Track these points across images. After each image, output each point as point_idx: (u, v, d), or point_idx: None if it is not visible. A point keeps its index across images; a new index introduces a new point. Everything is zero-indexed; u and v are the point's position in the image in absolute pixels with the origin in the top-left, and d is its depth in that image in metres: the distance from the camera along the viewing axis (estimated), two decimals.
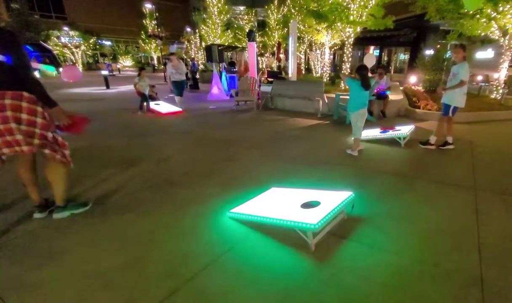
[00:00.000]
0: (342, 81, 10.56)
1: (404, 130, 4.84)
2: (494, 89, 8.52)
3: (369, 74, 4.30)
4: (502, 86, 8.22)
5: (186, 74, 14.09)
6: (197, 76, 16.83)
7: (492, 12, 7.27)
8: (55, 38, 28.51)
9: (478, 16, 7.56)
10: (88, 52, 33.66)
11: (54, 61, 27.05)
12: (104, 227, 2.49)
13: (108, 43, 36.73)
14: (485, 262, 2.03)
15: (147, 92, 7.99)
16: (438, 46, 12.22)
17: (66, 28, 29.55)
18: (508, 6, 6.92)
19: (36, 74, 14.76)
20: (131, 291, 1.79)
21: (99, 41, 33.91)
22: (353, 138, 4.45)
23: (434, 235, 2.36)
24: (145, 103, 7.89)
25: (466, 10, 7.57)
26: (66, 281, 1.88)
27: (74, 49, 30.00)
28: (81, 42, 30.81)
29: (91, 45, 32.21)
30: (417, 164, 4.02)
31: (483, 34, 8.27)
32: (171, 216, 2.68)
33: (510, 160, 4.16)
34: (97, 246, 2.23)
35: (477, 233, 2.38)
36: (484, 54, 11.63)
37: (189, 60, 23.83)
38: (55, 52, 28.85)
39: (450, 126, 4.56)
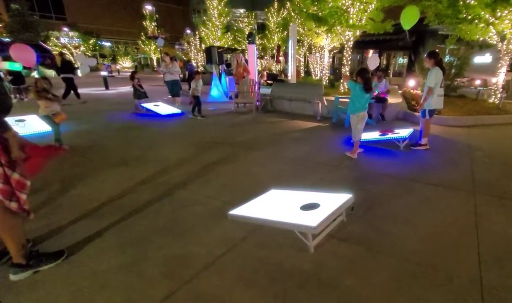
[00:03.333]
0: (341, 84, 10.61)
1: (403, 133, 4.87)
2: (492, 93, 8.57)
3: None
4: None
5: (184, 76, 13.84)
6: None
7: (490, 17, 7.33)
8: (54, 39, 28.49)
9: (476, 21, 7.62)
10: (87, 53, 33.63)
11: (53, 61, 26.99)
12: (102, 228, 2.47)
13: (107, 44, 36.75)
14: (484, 265, 2.03)
15: (200, 94, 7.58)
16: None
17: (66, 29, 29.57)
18: (506, 11, 6.98)
19: (35, 74, 14.68)
20: (129, 292, 1.78)
21: (99, 42, 33.91)
22: (352, 141, 4.46)
23: (433, 238, 2.36)
24: (196, 107, 7.51)
25: (464, 15, 7.64)
26: (64, 282, 1.87)
27: (73, 50, 29.97)
28: (81, 43, 30.81)
29: (90, 46, 32.19)
30: (416, 167, 4.02)
31: (481, 39, 8.33)
32: (170, 217, 2.67)
33: (508, 163, 4.17)
34: (95, 247, 2.22)
35: (476, 235, 2.38)
36: (482, 58, 11.72)
37: (186, 59, 23.55)
38: (54, 52, 28.79)
39: (426, 129, 4.76)
